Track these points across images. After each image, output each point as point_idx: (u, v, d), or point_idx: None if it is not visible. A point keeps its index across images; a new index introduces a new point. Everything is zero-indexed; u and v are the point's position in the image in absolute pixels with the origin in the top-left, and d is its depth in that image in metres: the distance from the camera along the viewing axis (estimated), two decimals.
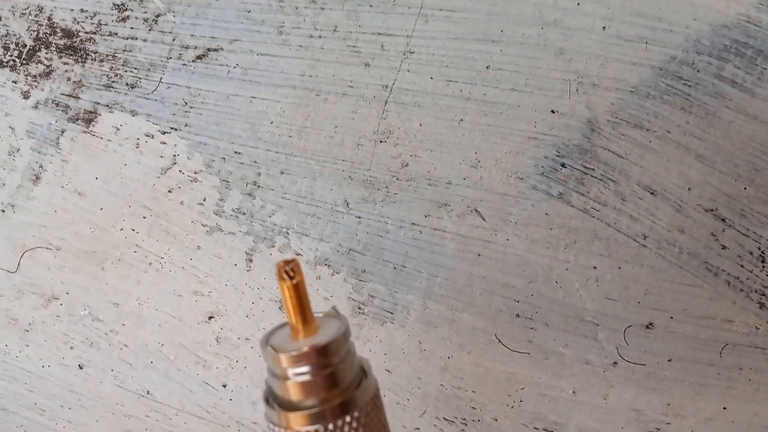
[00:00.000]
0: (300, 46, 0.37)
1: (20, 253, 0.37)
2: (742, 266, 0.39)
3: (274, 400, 0.23)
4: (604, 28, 0.38)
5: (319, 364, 0.22)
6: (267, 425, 0.23)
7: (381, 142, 0.38)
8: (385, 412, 0.24)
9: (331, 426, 0.22)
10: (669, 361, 0.39)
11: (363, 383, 0.23)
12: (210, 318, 0.38)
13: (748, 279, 0.39)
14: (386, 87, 0.38)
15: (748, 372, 0.39)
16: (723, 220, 0.39)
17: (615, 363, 0.39)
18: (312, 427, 0.22)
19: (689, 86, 0.38)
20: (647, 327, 0.39)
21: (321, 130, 0.38)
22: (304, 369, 0.22)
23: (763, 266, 0.39)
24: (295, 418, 0.22)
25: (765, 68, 0.38)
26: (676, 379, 0.39)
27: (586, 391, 0.39)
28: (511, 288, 0.39)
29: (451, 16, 0.38)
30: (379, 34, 0.37)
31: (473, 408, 0.39)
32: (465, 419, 0.39)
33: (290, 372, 0.22)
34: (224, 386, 0.38)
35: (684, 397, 0.39)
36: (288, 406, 0.23)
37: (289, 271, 0.23)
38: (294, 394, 0.23)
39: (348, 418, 0.22)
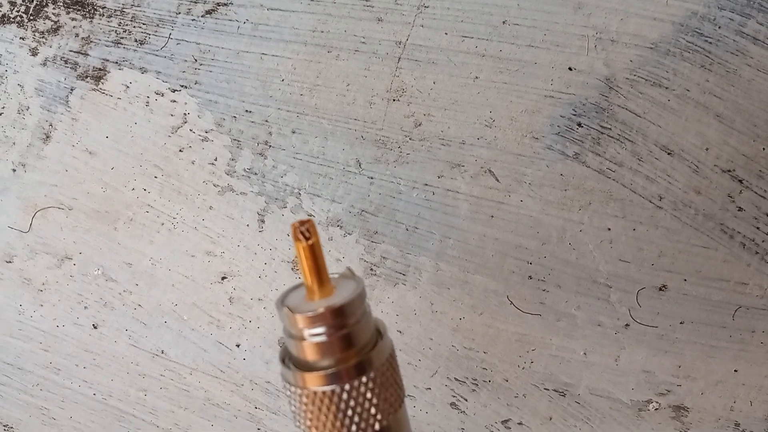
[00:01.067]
0: (311, 0, 0.36)
1: (32, 212, 0.37)
2: (758, 228, 0.38)
3: (290, 360, 0.23)
4: None
5: (335, 324, 0.22)
6: (283, 385, 0.24)
7: (394, 100, 0.37)
8: (400, 373, 0.25)
9: (347, 386, 0.22)
10: (681, 323, 0.39)
11: (378, 344, 0.23)
12: (223, 278, 0.38)
13: (763, 242, 0.38)
14: (399, 43, 0.37)
15: (761, 335, 0.39)
16: (740, 181, 0.38)
17: (627, 325, 0.39)
18: (328, 388, 0.22)
19: (710, 43, 0.37)
20: (660, 289, 0.39)
21: (333, 88, 0.37)
22: (320, 330, 0.22)
23: None
24: (311, 378, 0.22)
25: None
26: (688, 342, 0.39)
27: (597, 353, 0.39)
28: (523, 249, 0.38)
29: None
30: None
31: (484, 369, 0.39)
32: (476, 380, 0.39)
33: (306, 333, 0.22)
34: (238, 346, 0.39)
35: (695, 360, 0.39)
36: (304, 367, 0.23)
37: (305, 231, 0.22)
38: (310, 354, 0.23)
39: (364, 379, 0.22)
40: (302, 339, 0.22)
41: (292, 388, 0.23)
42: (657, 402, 0.40)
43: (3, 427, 0.39)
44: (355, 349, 0.23)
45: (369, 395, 0.22)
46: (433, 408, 0.39)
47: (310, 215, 0.38)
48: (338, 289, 0.23)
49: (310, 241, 0.22)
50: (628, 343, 0.39)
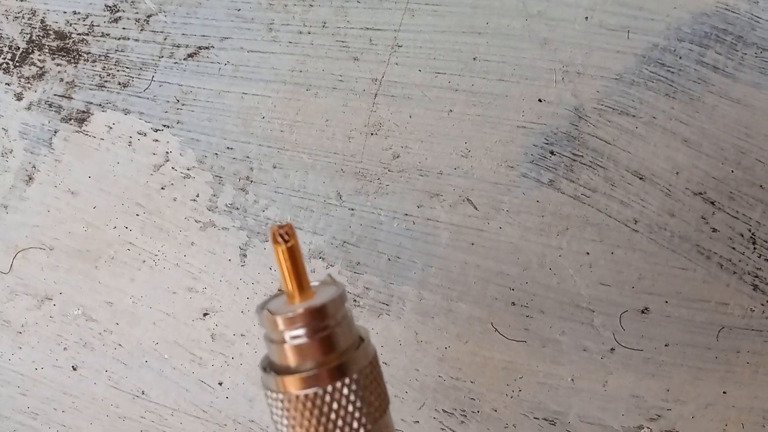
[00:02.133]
0: (290, 42, 0.38)
1: (13, 253, 0.37)
2: (733, 248, 0.39)
3: (270, 368, 0.23)
4: (586, 18, 0.39)
5: (315, 326, 0.22)
6: (265, 394, 0.23)
7: (372, 134, 0.38)
8: (384, 380, 0.24)
9: (329, 388, 0.22)
10: (666, 345, 0.39)
11: (361, 347, 0.23)
12: (205, 315, 0.38)
13: (740, 261, 0.39)
14: (375, 80, 0.38)
15: (746, 355, 0.39)
16: (712, 203, 0.39)
17: (612, 349, 0.39)
18: (310, 390, 0.22)
19: (672, 72, 0.39)
20: (642, 312, 0.39)
21: (312, 124, 0.38)
22: (300, 332, 0.22)
23: (755, 248, 0.39)
24: (292, 382, 0.22)
25: (745, 53, 0.39)
26: (675, 364, 0.39)
27: (584, 379, 0.39)
28: (505, 276, 0.39)
29: (437, 9, 0.38)
30: (367, 29, 0.38)
31: (472, 399, 0.39)
32: (464, 410, 0.39)
33: (287, 335, 0.22)
34: (220, 384, 0.38)
35: (683, 382, 0.39)
36: (285, 372, 0.23)
37: (284, 234, 0.23)
38: (291, 358, 0.22)
39: (347, 380, 0.22)
40: (283, 342, 0.22)
41: (273, 395, 0.23)
42: (648, 428, 0.39)
43: None
44: (336, 352, 0.23)
45: (352, 397, 0.22)
46: None
47: None
48: (318, 294, 0.24)
49: (289, 244, 0.23)
50: (614, 367, 0.39)
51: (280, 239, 0.23)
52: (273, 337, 0.23)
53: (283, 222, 0.23)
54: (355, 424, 0.22)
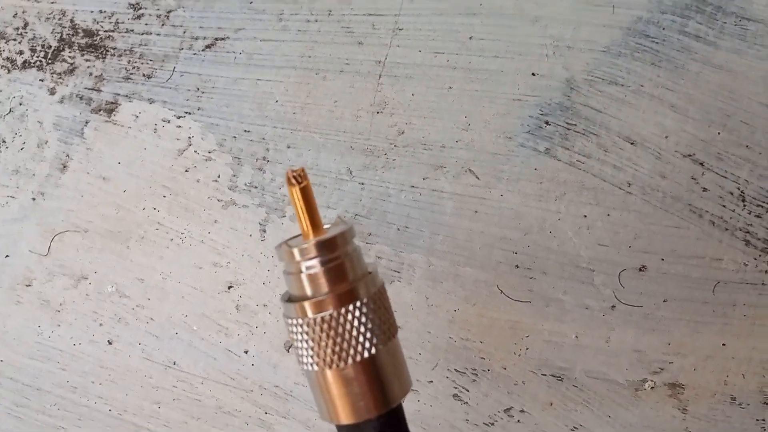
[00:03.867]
0: (299, 30, 0.41)
1: (50, 237, 0.40)
2: (724, 206, 0.41)
3: (290, 299, 0.26)
4: None
5: (327, 256, 0.25)
6: (286, 323, 0.26)
7: (378, 113, 0.41)
8: (392, 310, 0.27)
9: (342, 310, 0.25)
10: (665, 301, 0.41)
11: (369, 277, 0.26)
12: (229, 287, 0.41)
13: (731, 218, 0.41)
14: (379, 62, 0.41)
15: (742, 308, 0.41)
16: (701, 164, 0.41)
17: (613, 306, 0.41)
18: (326, 313, 0.24)
19: (657, 43, 0.41)
20: (640, 270, 0.41)
21: (322, 106, 0.41)
22: (314, 262, 0.25)
23: (744, 205, 0.41)
24: (309, 307, 0.25)
25: (725, 22, 0.42)
26: (674, 319, 0.41)
27: (588, 335, 0.41)
28: (508, 240, 0.41)
29: None
30: (370, 14, 0.41)
31: (482, 358, 0.41)
32: (475, 369, 0.41)
33: (302, 265, 0.25)
34: (246, 352, 0.40)
35: (683, 336, 0.41)
36: (302, 299, 0.25)
37: (298, 176, 0.25)
38: (307, 286, 0.25)
39: (357, 303, 0.25)
40: (299, 272, 0.25)
41: (294, 320, 0.25)
42: (652, 381, 0.41)
43: None
44: (347, 280, 0.25)
45: (363, 319, 0.25)
46: (437, 401, 0.41)
47: None
48: (329, 231, 0.26)
49: (302, 185, 0.25)
50: (616, 323, 0.41)
51: (294, 181, 0.25)
52: (290, 269, 0.25)
53: (295, 167, 0.26)
54: (367, 344, 0.25)
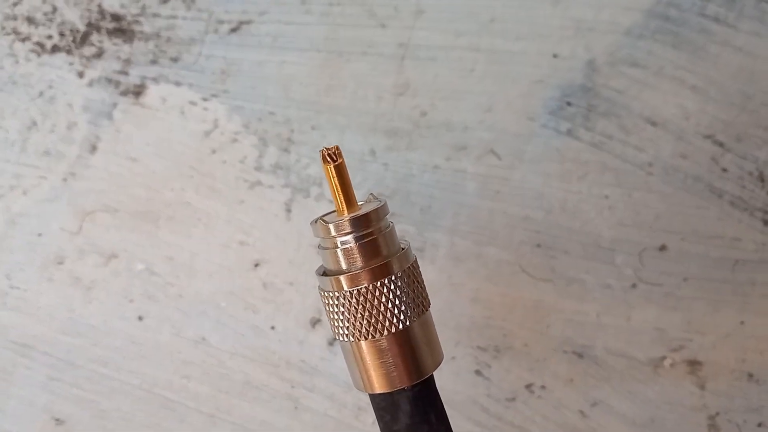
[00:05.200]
0: (322, 13, 0.41)
1: (81, 216, 0.41)
2: (743, 187, 0.42)
3: (325, 273, 0.27)
4: None
5: (362, 232, 0.26)
6: (321, 295, 0.27)
7: (400, 95, 0.42)
8: (424, 284, 0.28)
9: (378, 283, 0.25)
10: (685, 280, 0.42)
11: (402, 253, 0.27)
12: (256, 266, 0.41)
13: (750, 198, 0.42)
14: (402, 45, 0.42)
15: (761, 286, 0.42)
16: (721, 144, 0.42)
17: (634, 285, 0.42)
18: (361, 286, 0.25)
19: (677, 25, 0.42)
20: (661, 249, 0.42)
21: (345, 88, 0.42)
22: (349, 237, 0.26)
23: (763, 185, 0.42)
24: (345, 280, 0.26)
25: (744, 5, 0.42)
26: (694, 297, 0.42)
27: (609, 314, 0.42)
28: (530, 220, 0.42)
29: None
30: None
31: (504, 335, 0.42)
32: (498, 346, 0.42)
33: (338, 241, 0.26)
34: (272, 328, 0.41)
35: (703, 314, 0.42)
36: (338, 273, 0.26)
37: (333, 154, 0.26)
38: (342, 261, 0.26)
39: (392, 277, 0.25)
40: (335, 247, 0.26)
41: (329, 293, 0.26)
42: (671, 358, 0.42)
43: (55, 421, 0.41)
44: (381, 255, 0.26)
45: (398, 292, 0.26)
46: (459, 377, 0.42)
47: (332, 202, 0.41)
48: (363, 207, 0.27)
49: (337, 162, 0.26)
50: (637, 302, 0.42)
51: (329, 159, 0.26)
52: (326, 244, 0.26)
53: (330, 146, 0.27)
54: (402, 316, 0.26)
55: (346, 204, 0.26)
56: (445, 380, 0.42)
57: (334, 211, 0.28)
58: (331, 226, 0.26)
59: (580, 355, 0.42)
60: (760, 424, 0.42)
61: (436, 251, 0.42)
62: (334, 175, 0.26)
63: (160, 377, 0.41)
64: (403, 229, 0.42)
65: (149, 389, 0.41)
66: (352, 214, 0.26)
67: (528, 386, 0.42)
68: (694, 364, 0.42)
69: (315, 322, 0.41)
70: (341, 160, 0.26)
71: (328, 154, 0.26)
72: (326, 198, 0.42)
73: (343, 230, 0.26)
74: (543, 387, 0.42)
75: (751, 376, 0.42)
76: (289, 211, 0.42)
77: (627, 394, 0.42)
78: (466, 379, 0.42)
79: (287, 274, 0.41)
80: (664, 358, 0.42)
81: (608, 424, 0.42)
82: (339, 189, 0.26)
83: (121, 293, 0.41)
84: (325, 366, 0.41)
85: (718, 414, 0.42)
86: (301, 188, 0.42)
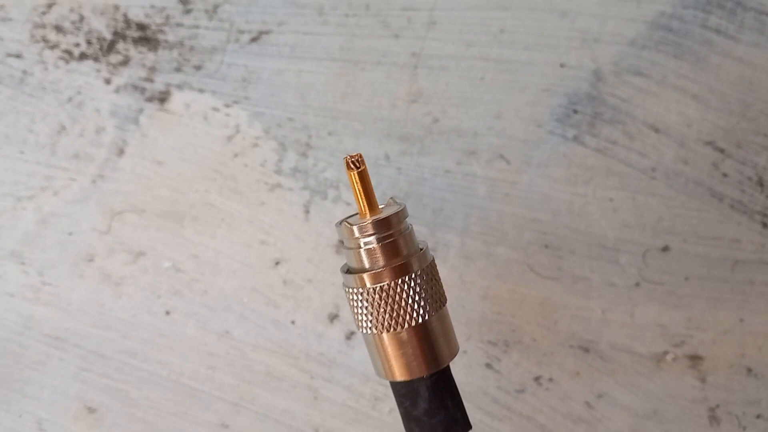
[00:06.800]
0: (338, 24, 0.43)
1: (110, 216, 0.43)
2: (743, 191, 0.43)
3: (349, 271, 0.29)
4: None
5: (383, 234, 0.28)
6: (345, 291, 0.29)
7: (413, 102, 0.44)
8: (441, 282, 0.30)
9: (399, 281, 0.27)
10: (686, 279, 0.44)
11: (421, 253, 0.29)
12: (276, 264, 0.43)
13: (749, 202, 0.43)
14: (414, 54, 0.44)
15: (760, 285, 0.44)
16: (721, 151, 0.44)
17: (637, 284, 0.44)
18: (383, 283, 0.27)
19: (679, 36, 0.44)
20: (663, 250, 0.44)
21: (360, 95, 0.44)
22: (371, 238, 0.28)
23: (762, 189, 0.43)
24: (368, 278, 0.28)
25: (745, 17, 0.44)
26: (694, 296, 0.44)
27: (613, 311, 0.44)
28: (538, 222, 0.44)
29: None
30: (405, 9, 0.44)
31: (513, 330, 0.44)
32: (507, 341, 0.44)
33: (361, 241, 0.28)
34: (292, 323, 0.44)
35: (703, 312, 0.44)
36: (361, 272, 0.28)
37: (356, 161, 0.28)
38: (365, 260, 0.28)
39: (412, 275, 0.28)
40: (359, 248, 0.28)
41: (353, 290, 0.28)
42: (673, 353, 0.44)
43: (87, 410, 0.43)
44: (401, 255, 0.28)
45: (417, 289, 0.28)
46: (471, 370, 0.44)
47: (348, 204, 0.43)
48: (384, 210, 0.29)
49: (359, 169, 0.28)
50: (640, 300, 0.44)
51: (353, 166, 0.28)
52: (350, 245, 0.28)
53: (353, 153, 0.29)
54: (421, 311, 0.28)
55: (368, 207, 0.29)
56: (457, 373, 0.43)
57: (356, 214, 0.30)
58: (354, 228, 0.28)
59: (586, 350, 0.44)
60: (758, 416, 0.44)
61: (447, 251, 0.44)
62: (357, 180, 0.28)
63: (186, 368, 0.44)
64: (416, 230, 0.43)
65: (176, 379, 0.43)
66: (374, 217, 0.28)
67: (536, 379, 0.44)
68: (695, 359, 0.44)
69: (333, 318, 0.43)
70: (364, 167, 0.28)
71: (352, 162, 0.28)
72: (342, 200, 0.44)
73: (366, 232, 0.28)
74: (550, 379, 0.44)
75: (749, 370, 0.44)
76: (307, 212, 0.44)
77: (631, 386, 0.44)
78: (477, 371, 0.44)
79: (306, 272, 0.44)
80: (666, 352, 0.44)
81: (613, 416, 0.44)
82: (362, 193, 0.28)
83: (148, 289, 0.44)
84: (343, 358, 0.43)
85: (718, 406, 0.44)
86: (319, 191, 0.44)
